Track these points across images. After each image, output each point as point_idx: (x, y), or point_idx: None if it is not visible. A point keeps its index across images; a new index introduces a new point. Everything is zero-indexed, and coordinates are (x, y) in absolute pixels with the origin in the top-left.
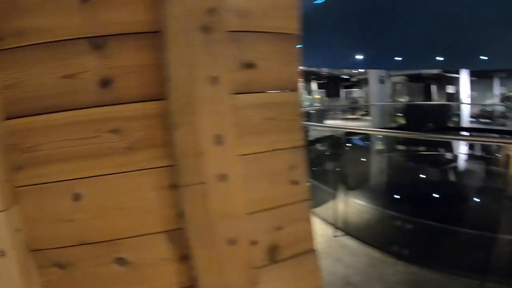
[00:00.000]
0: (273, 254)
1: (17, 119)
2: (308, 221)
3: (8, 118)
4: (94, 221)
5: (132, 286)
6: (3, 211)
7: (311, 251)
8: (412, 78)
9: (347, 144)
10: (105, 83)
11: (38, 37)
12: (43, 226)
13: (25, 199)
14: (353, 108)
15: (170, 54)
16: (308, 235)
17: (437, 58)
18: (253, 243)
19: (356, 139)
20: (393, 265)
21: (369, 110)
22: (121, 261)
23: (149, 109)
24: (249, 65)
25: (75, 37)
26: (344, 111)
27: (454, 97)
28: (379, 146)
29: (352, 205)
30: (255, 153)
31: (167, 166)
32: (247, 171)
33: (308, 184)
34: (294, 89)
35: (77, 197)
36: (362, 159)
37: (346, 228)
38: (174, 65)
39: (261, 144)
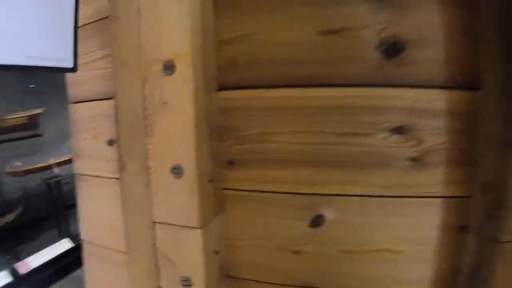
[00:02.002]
0: None
1: (236, 91)
2: None
3: (223, 88)
4: (334, 260)
5: None
6: (199, 228)
7: None
8: None
9: None
10: (391, 49)
11: None
12: (253, 251)
13: (234, 208)
14: None
15: None
16: None
17: None
18: None
19: None
20: None
21: None
22: None
23: (456, 102)
24: None
25: None
26: None
27: None
28: None
29: None
30: None
31: (463, 197)
32: None
33: None
34: None
35: (317, 221)
36: None
37: None
38: None
39: None
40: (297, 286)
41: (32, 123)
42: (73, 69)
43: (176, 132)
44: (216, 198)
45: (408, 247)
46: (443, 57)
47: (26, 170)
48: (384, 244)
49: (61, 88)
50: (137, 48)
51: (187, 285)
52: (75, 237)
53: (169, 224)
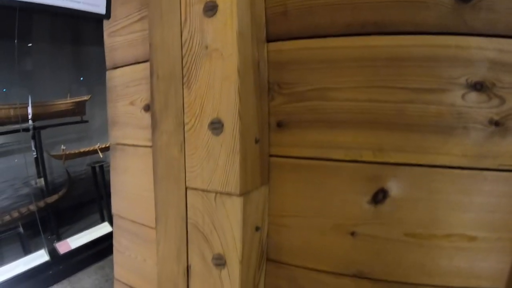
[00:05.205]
0: None
1: (288, 41)
2: None
3: (274, 40)
4: (398, 245)
5: None
6: (240, 195)
7: None
8: None
9: None
10: None
11: None
12: (302, 231)
13: (282, 179)
14: None
15: None
16: None
17: None
18: None
19: None
20: None
21: None
22: None
23: None
24: None
25: None
26: None
27: None
28: None
29: None
30: None
31: None
32: None
33: None
34: None
35: (379, 196)
36: None
37: None
38: None
39: None
40: (351, 276)
41: (79, 109)
42: (106, 16)
43: (217, 80)
44: (262, 165)
45: (485, 233)
46: None
47: (70, 153)
48: (458, 228)
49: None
50: None
51: (219, 264)
52: None
53: (204, 190)
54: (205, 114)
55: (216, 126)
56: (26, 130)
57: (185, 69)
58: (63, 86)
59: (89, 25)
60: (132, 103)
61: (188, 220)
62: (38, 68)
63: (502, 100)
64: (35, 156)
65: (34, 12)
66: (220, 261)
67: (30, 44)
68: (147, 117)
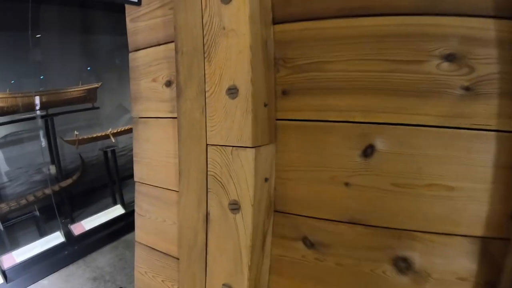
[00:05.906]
0: None
1: (291, 23)
2: None
3: (278, 22)
4: (385, 194)
5: None
6: (252, 147)
7: None
8: None
9: None
10: None
11: None
12: (304, 183)
13: (286, 138)
14: None
15: None
16: None
17: None
18: None
19: None
20: None
21: None
22: (402, 263)
23: (506, 31)
24: None
25: None
26: None
27: None
28: None
29: None
30: None
31: None
32: None
33: None
34: None
35: (368, 151)
36: None
37: None
38: None
39: None
40: (346, 223)
41: (90, 96)
42: (138, 2)
43: (233, 54)
44: (270, 126)
45: (461, 183)
46: None
47: (83, 138)
48: (437, 178)
49: (117, 68)
50: None
51: (234, 209)
52: (127, 205)
53: (222, 145)
54: (223, 82)
55: (233, 91)
56: (41, 117)
57: (206, 46)
58: (73, 74)
59: (98, 15)
60: (154, 80)
61: (208, 173)
62: (48, 58)
63: (472, 69)
64: (43, 145)
65: None
66: (235, 206)
67: (38, 35)
68: (168, 91)
